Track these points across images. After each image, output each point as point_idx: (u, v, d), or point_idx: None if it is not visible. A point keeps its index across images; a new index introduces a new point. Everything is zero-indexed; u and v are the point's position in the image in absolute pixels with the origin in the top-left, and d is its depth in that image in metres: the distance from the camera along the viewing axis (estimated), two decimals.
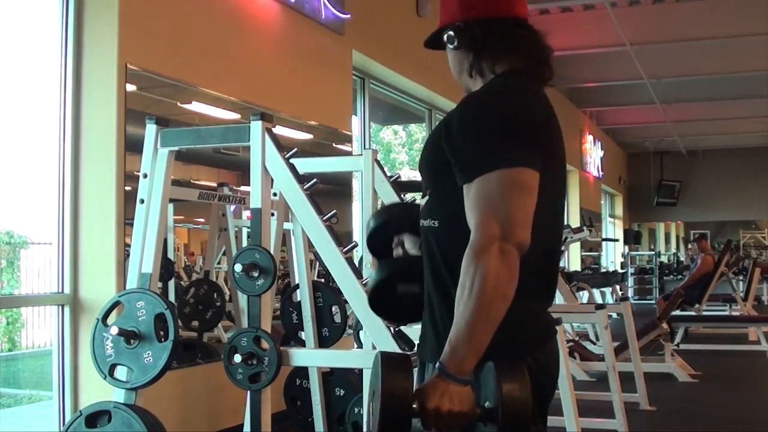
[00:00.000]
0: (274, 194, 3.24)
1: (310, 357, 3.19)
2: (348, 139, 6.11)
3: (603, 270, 15.13)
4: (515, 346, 1.51)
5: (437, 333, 1.57)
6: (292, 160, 2.87)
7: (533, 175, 1.48)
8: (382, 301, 1.76)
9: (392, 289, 1.73)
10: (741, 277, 12.46)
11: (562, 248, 8.32)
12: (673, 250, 21.76)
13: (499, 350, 1.49)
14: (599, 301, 11.18)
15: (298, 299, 3.77)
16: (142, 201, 2.97)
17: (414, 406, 1.39)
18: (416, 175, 11.01)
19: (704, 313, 10.06)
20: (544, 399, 1.57)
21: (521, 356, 1.51)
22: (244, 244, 4.51)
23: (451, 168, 1.53)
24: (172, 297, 4.27)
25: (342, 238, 2.88)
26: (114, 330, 2.78)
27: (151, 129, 2.99)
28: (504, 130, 1.50)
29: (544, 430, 1.58)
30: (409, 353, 1.53)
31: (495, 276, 1.40)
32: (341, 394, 3.81)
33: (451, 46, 1.66)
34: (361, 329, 3.44)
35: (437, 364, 1.42)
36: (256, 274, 2.73)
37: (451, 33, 1.65)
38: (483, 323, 1.40)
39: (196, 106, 4.54)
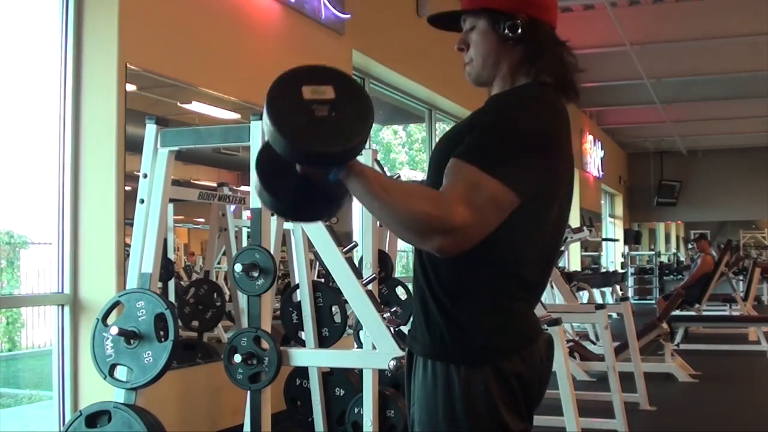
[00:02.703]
0: None
1: (310, 357, 3.19)
2: None
3: (603, 270, 15.13)
4: (502, 348, 1.52)
5: (430, 329, 1.56)
6: None
7: (514, 201, 1.45)
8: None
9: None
10: (741, 277, 12.46)
11: (562, 248, 8.36)
12: (673, 250, 21.76)
13: (487, 351, 1.50)
14: (599, 301, 11.18)
15: (298, 299, 3.76)
16: (142, 201, 2.97)
17: None
18: (416, 175, 10.97)
19: (704, 313, 10.07)
20: (531, 398, 1.56)
21: (508, 357, 1.51)
22: (244, 244, 4.51)
23: None
24: (172, 297, 4.27)
25: (342, 238, 2.88)
26: (114, 330, 2.78)
27: (151, 129, 2.99)
28: (516, 147, 1.48)
29: (531, 428, 1.59)
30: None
31: (419, 214, 1.37)
32: (341, 394, 3.81)
33: (511, 35, 1.59)
34: (361, 329, 3.43)
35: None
36: (256, 274, 2.73)
37: (517, 22, 1.58)
38: (388, 205, 1.39)
39: (196, 106, 4.54)
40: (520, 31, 1.58)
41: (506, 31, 1.58)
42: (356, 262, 3.44)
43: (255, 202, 2.84)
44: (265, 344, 2.70)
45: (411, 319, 1.68)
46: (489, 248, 1.48)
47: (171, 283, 4.31)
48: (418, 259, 1.61)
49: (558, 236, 1.65)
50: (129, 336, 2.79)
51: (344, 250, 2.79)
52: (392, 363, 2.56)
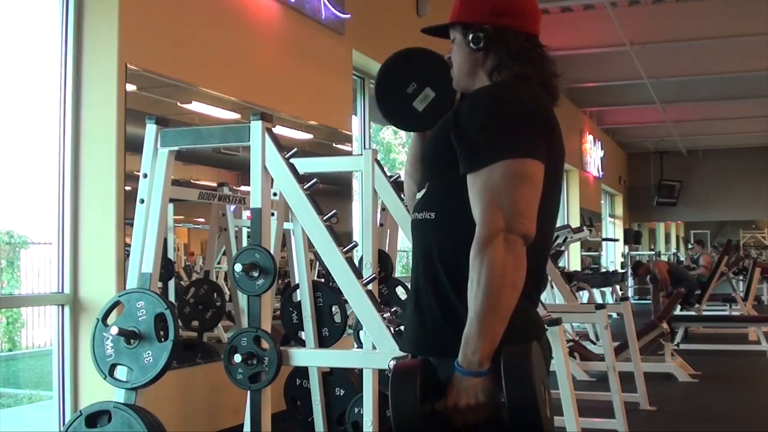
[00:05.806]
0: (274, 194, 3.24)
1: (310, 357, 3.19)
2: (348, 139, 6.11)
3: (603, 270, 15.13)
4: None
5: (423, 321, 1.60)
6: (292, 160, 2.87)
7: (539, 167, 1.51)
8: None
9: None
10: (741, 277, 12.46)
11: (562, 248, 8.35)
12: (673, 250, 21.75)
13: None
14: (599, 301, 11.19)
15: (298, 299, 3.76)
16: (142, 201, 2.97)
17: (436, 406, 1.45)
18: None
19: (704, 313, 10.07)
20: None
21: None
22: (244, 244, 4.51)
23: (455, 161, 1.56)
24: (172, 297, 4.27)
25: (342, 238, 2.88)
26: (114, 330, 2.78)
27: (151, 129, 2.99)
28: (511, 121, 1.54)
29: None
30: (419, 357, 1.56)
31: (502, 265, 1.43)
32: (341, 394, 3.81)
33: (474, 47, 1.67)
34: (361, 329, 3.43)
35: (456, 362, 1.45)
36: (256, 274, 2.73)
37: (480, 34, 1.66)
38: (492, 313, 1.44)
39: (196, 106, 4.54)
40: (482, 42, 1.66)
41: (470, 42, 1.67)
42: (356, 262, 3.44)
43: (255, 202, 2.84)
44: (265, 344, 2.70)
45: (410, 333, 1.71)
46: None
47: (171, 283, 4.31)
48: (423, 257, 1.62)
49: (554, 221, 1.70)
50: (129, 336, 2.79)
51: (344, 250, 2.79)
52: (392, 363, 2.55)
